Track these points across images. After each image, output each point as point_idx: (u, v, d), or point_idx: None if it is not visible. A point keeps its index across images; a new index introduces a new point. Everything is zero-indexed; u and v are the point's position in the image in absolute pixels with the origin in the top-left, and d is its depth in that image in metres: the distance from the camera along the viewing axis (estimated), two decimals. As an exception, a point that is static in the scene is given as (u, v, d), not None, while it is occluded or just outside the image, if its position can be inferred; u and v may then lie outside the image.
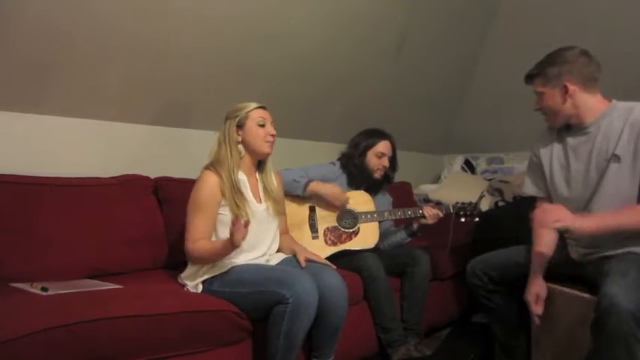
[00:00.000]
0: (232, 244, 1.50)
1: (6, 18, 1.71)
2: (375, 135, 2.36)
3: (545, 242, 1.75)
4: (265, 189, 1.84)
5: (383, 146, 2.34)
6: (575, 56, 1.65)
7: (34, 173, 1.85)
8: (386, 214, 2.29)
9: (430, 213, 2.23)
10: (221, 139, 1.78)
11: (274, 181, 1.89)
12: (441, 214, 2.25)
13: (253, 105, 1.80)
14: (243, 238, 1.48)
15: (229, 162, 1.73)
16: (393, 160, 2.39)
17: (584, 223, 1.48)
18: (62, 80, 1.97)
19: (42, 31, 1.80)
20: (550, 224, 1.49)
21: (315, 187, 2.17)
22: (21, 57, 1.82)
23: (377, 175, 2.33)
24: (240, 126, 1.77)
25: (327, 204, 2.20)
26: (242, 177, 1.78)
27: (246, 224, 1.48)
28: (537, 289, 1.67)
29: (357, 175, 2.33)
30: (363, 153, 2.34)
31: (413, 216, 2.27)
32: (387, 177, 2.40)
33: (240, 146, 1.78)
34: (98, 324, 1.23)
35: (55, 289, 1.46)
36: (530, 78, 1.74)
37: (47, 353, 1.15)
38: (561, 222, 1.47)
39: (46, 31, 1.81)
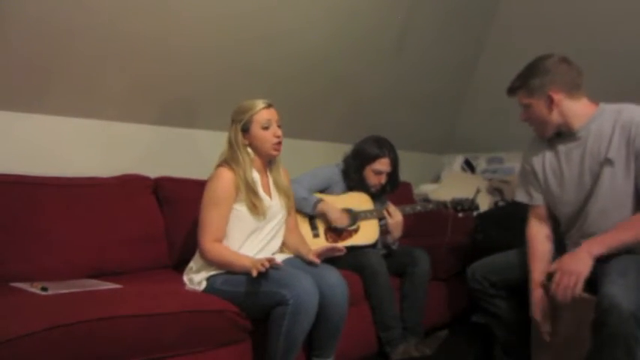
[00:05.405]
0: (246, 268, 1.54)
1: (6, 18, 1.71)
2: (375, 149, 2.27)
3: (540, 255, 1.73)
4: (276, 185, 1.85)
5: (381, 164, 2.27)
6: (555, 64, 1.63)
7: (34, 173, 1.85)
8: (384, 211, 2.29)
9: (390, 210, 2.20)
10: (231, 141, 1.77)
11: (283, 178, 1.89)
12: (402, 212, 2.21)
13: (258, 106, 1.76)
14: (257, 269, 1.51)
15: (242, 163, 1.73)
16: (392, 176, 2.33)
17: (592, 256, 1.48)
18: (62, 80, 1.97)
19: (42, 32, 1.80)
20: (575, 292, 1.47)
21: (323, 209, 2.17)
22: (21, 57, 1.82)
23: (373, 190, 2.31)
24: (245, 130, 1.75)
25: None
26: (255, 175, 1.78)
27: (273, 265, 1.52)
28: (541, 304, 1.65)
29: (355, 188, 2.31)
30: (361, 167, 2.29)
31: (378, 217, 2.25)
32: (385, 190, 2.37)
33: (249, 149, 1.77)
34: (98, 324, 1.23)
35: (55, 288, 1.46)
36: (512, 90, 1.72)
37: (47, 353, 1.15)
38: (579, 279, 1.46)
39: (46, 31, 1.81)
